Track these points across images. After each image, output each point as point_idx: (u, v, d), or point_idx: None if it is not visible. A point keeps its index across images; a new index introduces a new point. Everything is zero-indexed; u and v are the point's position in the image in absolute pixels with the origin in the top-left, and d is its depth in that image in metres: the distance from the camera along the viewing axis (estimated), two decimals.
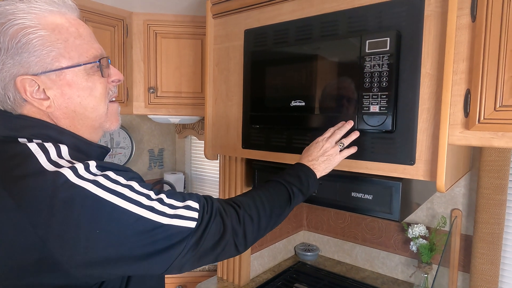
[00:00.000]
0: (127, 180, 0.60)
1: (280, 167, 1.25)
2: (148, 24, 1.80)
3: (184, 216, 0.63)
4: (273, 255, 1.63)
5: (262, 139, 1.26)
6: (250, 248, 1.48)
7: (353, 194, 1.05)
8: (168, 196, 0.64)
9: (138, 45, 1.82)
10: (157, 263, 0.60)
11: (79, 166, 0.57)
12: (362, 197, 1.04)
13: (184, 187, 2.39)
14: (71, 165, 0.57)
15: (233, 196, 1.43)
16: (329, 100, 1.05)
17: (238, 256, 1.44)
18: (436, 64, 0.88)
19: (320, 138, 0.97)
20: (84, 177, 0.56)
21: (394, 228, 1.53)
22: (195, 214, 0.64)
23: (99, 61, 0.67)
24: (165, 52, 1.82)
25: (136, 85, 1.84)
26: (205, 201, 0.69)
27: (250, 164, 1.43)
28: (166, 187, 2.31)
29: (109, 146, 2.09)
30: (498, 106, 0.80)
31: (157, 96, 1.84)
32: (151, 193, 0.62)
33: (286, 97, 1.15)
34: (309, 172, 0.91)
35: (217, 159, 1.52)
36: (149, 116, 1.92)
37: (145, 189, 0.62)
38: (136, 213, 0.58)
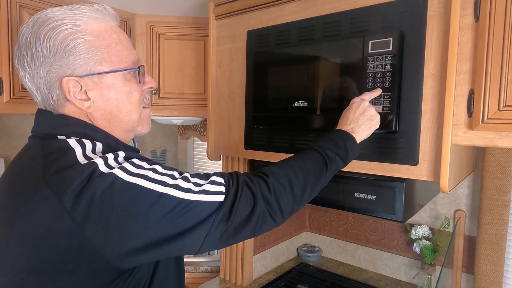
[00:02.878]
0: (150, 165, 0.63)
1: None
2: (150, 26, 1.81)
3: (210, 191, 0.63)
4: (275, 256, 1.63)
5: (264, 139, 1.26)
6: (252, 249, 1.48)
7: (356, 194, 1.05)
8: (193, 176, 0.65)
9: (141, 47, 1.82)
10: (191, 240, 0.60)
11: (110, 156, 0.61)
12: (365, 197, 1.03)
13: None
14: (103, 155, 0.61)
15: None
16: (331, 101, 1.05)
17: (240, 256, 1.44)
18: (439, 64, 0.88)
19: (356, 99, 0.91)
20: (112, 165, 0.59)
21: (397, 229, 1.52)
22: (221, 188, 0.65)
23: (138, 68, 0.71)
24: (167, 54, 1.83)
25: None
26: (230, 176, 0.70)
27: (253, 165, 1.43)
28: None
29: None
30: (502, 106, 0.79)
31: (159, 97, 1.84)
32: (175, 173, 0.64)
33: (288, 98, 1.15)
34: (346, 135, 0.84)
35: (219, 160, 1.52)
36: (152, 117, 1.93)
37: (168, 170, 0.63)
38: (161, 192, 0.59)
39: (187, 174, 0.65)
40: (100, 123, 0.69)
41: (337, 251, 1.73)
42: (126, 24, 1.76)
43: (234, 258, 1.47)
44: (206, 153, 2.32)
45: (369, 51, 0.96)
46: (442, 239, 1.32)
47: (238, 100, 1.36)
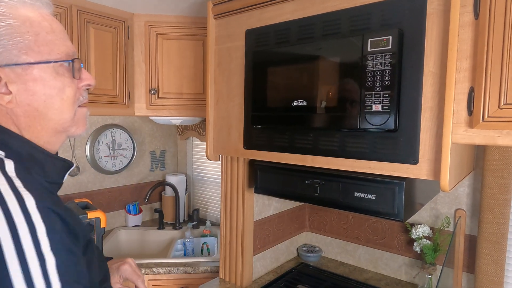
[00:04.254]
0: (50, 250, 0.49)
1: (283, 167, 1.24)
2: (149, 26, 1.80)
3: None
4: (275, 256, 1.62)
5: (264, 139, 1.25)
6: (252, 249, 1.47)
7: (356, 194, 1.05)
8: None
9: (140, 47, 1.82)
10: None
11: (16, 201, 0.48)
12: (365, 197, 1.03)
13: (186, 189, 2.38)
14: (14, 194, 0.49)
15: (236, 198, 1.43)
16: (331, 100, 1.05)
17: (240, 257, 1.44)
18: (439, 62, 0.88)
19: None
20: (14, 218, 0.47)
21: (397, 228, 1.51)
22: None
23: (72, 60, 0.63)
24: (166, 54, 1.82)
25: (137, 87, 1.84)
26: None
27: (253, 165, 1.42)
28: (168, 189, 2.31)
29: (111, 148, 2.09)
30: (502, 104, 0.79)
31: (158, 98, 1.84)
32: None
33: (287, 97, 1.14)
34: None
35: (219, 160, 1.51)
36: (150, 117, 1.92)
37: (68, 275, 0.49)
38: None
39: None
40: (23, 121, 0.60)
41: (337, 251, 1.72)
42: (125, 24, 1.76)
43: (233, 258, 1.46)
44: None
45: (368, 50, 0.96)
46: (442, 238, 1.32)
47: (237, 99, 1.35)
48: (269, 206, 1.56)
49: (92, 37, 1.62)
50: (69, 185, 1.93)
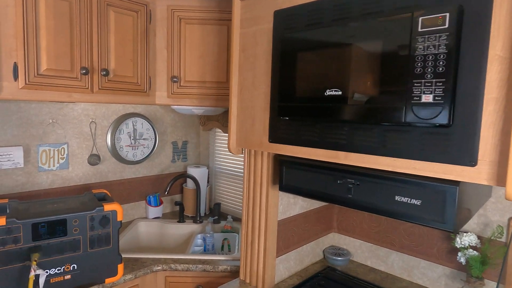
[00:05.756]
0: None
1: (311, 164, 1.12)
2: (172, 10, 1.71)
3: None
4: (300, 258, 1.51)
5: (291, 132, 1.13)
6: (275, 250, 1.37)
7: (397, 198, 0.91)
8: None
9: (162, 32, 1.73)
10: None
11: None
12: (409, 201, 0.89)
13: (208, 182, 2.30)
14: None
15: (259, 195, 1.32)
16: (370, 89, 0.91)
17: (262, 258, 1.33)
18: (509, 44, 0.72)
19: None
20: None
21: (438, 234, 1.36)
22: None
23: None
24: (189, 39, 1.73)
25: (159, 74, 1.76)
26: None
27: (278, 160, 1.31)
28: (190, 181, 2.24)
29: (132, 137, 2.04)
30: None
31: (180, 86, 1.75)
32: None
33: (320, 86, 1.01)
34: None
35: (241, 154, 1.41)
36: (172, 106, 1.84)
37: None
38: None
39: None
40: None
41: (367, 255, 1.59)
42: (146, 8, 1.67)
43: (255, 259, 1.37)
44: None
45: (419, 30, 0.81)
46: (493, 249, 1.15)
47: (262, 88, 1.24)
48: (294, 204, 1.45)
49: (112, 21, 1.54)
50: (90, 174, 1.89)
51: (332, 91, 0.99)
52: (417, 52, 0.82)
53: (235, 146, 1.37)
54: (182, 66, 1.74)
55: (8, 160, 1.60)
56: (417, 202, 0.87)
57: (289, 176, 1.19)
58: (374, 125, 0.92)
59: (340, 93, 0.97)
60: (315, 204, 1.57)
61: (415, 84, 0.82)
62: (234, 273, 1.56)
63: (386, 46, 0.87)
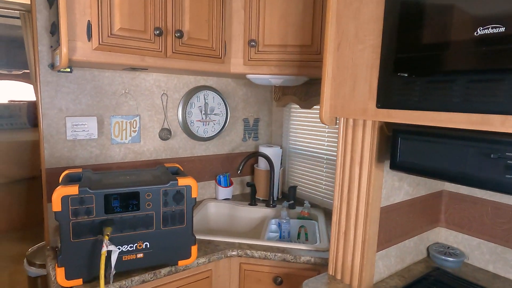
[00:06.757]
0: None
1: (445, 134, 0.84)
2: None
3: None
4: (401, 255, 1.24)
5: (413, 93, 0.87)
6: (375, 243, 1.12)
7: None
8: None
9: None
10: None
11: None
12: None
13: (281, 164, 2.10)
14: None
15: (357, 175, 1.06)
16: None
17: (359, 252, 1.10)
18: None
19: None
20: None
21: None
22: None
23: None
24: None
25: (235, 39, 1.57)
26: None
27: (385, 132, 1.05)
28: (262, 162, 2.06)
29: (203, 112, 1.90)
30: None
31: (258, 51, 1.55)
32: None
33: (466, 22, 0.73)
34: None
35: (335, 124, 1.17)
36: (247, 76, 1.65)
37: None
38: None
39: None
40: None
41: (489, 258, 1.26)
42: None
43: (349, 252, 1.13)
44: (306, 124, 1.99)
45: None
46: None
47: (369, 40, 0.98)
48: (399, 189, 1.17)
49: None
50: (160, 150, 1.80)
51: (487, 28, 0.70)
52: None
53: (329, 115, 1.14)
54: (261, 29, 1.53)
55: (83, 131, 1.54)
56: None
57: (406, 150, 0.92)
58: None
59: (503, 29, 0.68)
60: (422, 190, 1.27)
61: None
62: (318, 266, 1.35)
63: None
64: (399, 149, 0.93)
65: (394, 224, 1.19)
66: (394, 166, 0.95)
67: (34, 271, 1.99)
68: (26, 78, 5.29)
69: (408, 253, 1.27)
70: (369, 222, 1.08)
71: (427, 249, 1.36)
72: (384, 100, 0.95)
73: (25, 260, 2.03)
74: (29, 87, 5.33)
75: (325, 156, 1.92)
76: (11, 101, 5.18)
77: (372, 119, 0.99)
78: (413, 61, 0.85)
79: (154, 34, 1.32)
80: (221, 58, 1.53)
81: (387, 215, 1.15)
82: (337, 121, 1.17)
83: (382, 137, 1.05)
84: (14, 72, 5.27)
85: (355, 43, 1.03)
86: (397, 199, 1.18)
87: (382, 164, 1.07)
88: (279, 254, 1.36)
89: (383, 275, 1.18)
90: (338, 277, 1.18)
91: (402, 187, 1.19)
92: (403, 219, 1.22)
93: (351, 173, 1.11)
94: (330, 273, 1.21)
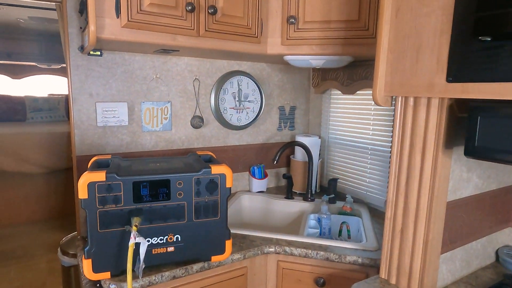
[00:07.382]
0: None
1: None
2: None
3: None
4: (466, 259, 1.07)
5: (498, 60, 0.70)
6: (440, 244, 0.96)
7: None
8: None
9: None
10: None
11: None
12: None
13: (320, 155, 1.95)
14: None
15: (419, 163, 0.88)
16: None
17: (420, 253, 0.94)
18: None
19: None
20: None
21: None
22: None
23: None
24: None
25: (272, 16, 1.44)
26: None
27: (456, 114, 0.88)
28: (299, 153, 1.92)
29: (237, 99, 1.79)
30: None
31: (297, 29, 1.41)
32: None
33: None
34: None
35: (391, 105, 1.01)
36: (285, 58, 1.51)
37: None
38: None
39: None
40: None
41: None
42: None
43: (407, 253, 0.97)
44: (348, 111, 1.81)
45: None
46: None
47: (437, 2, 0.81)
48: (467, 181, 1.00)
49: None
50: (192, 138, 1.71)
51: None
52: None
53: (383, 94, 0.98)
54: (302, 3, 1.39)
55: (113, 117, 1.48)
56: None
57: (488, 132, 0.75)
58: None
59: None
60: (493, 184, 1.09)
61: None
62: (366, 268, 1.20)
63: None
64: (478, 131, 0.77)
65: (461, 222, 1.01)
66: (471, 152, 0.78)
67: (67, 260, 1.98)
68: (64, 72, 5.46)
69: (475, 256, 1.09)
70: (433, 219, 0.92)
71: (496, 252, 1.17)
72: (458, 72, 0.78)
73: (59, 249, 2.03)
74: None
75: (370, 147, 1.75)
76: (51, 94, 5.36)
77: (441, 95, 0.83)
78: (500, 19, 0.69)
79: (186, 10, 1.21)
80: (257, 37, 1.41)
81: (453, 211, 0.98)
82: (393, 102, 1.01)
83: (453, 118, 0.88)
84: (53, 66, 5.44)
85: (418, 7, 0.87)
86: (465, 193, 1.00)
87: (449, 150, 0.90)
88: (322, 253, 1.22)
89: (447, 281, 1.02)
90: (393, 281, 1.03)
91: (471, 179, 1.01)
92: (470, 217, 1.04)
93: (411, 161, 0.95)
94: (383, 277, 1.06)
